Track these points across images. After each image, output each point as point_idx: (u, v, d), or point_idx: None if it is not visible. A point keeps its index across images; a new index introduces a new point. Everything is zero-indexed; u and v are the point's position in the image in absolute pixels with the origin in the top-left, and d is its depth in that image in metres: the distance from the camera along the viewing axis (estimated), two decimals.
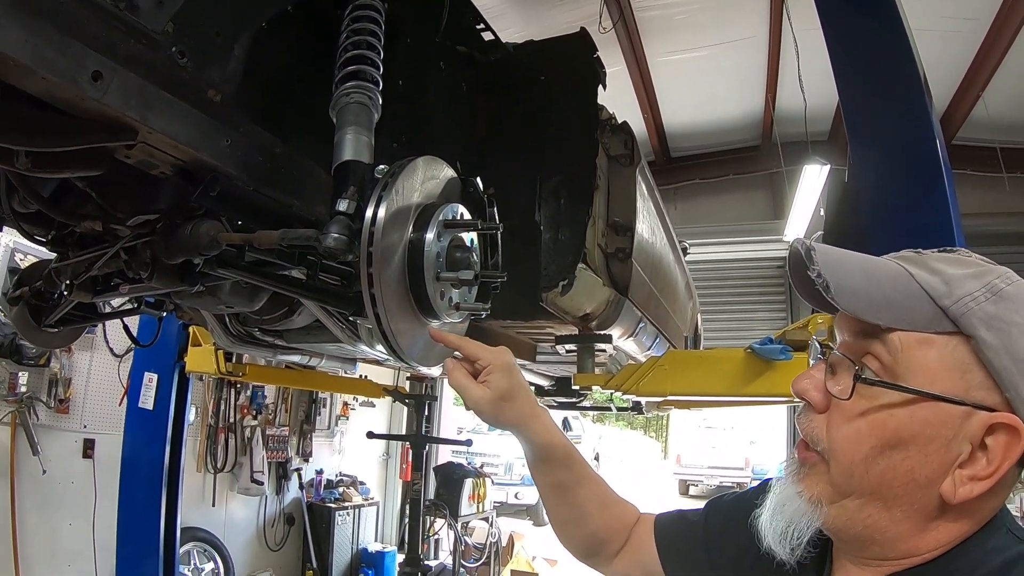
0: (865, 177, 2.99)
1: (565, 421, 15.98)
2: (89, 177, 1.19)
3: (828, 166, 6.36)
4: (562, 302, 2.00)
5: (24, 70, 0.88)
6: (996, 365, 0.79)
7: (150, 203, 1.31)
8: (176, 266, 1.40)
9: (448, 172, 1.34)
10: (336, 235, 1.12)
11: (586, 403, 4.72)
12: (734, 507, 1.24)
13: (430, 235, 1.20)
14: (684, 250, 4.81)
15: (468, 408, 1.24)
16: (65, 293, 1.79)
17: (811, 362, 0.99)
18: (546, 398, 4.06)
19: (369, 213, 1.10)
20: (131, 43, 1.01)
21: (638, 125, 8.36)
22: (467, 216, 1.32)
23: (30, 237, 1.57)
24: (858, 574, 0.92)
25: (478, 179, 1.36)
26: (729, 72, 7.61)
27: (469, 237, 1.32)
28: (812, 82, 6.41)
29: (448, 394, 10.80)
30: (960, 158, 7.94)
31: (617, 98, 7.35)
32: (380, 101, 1.35)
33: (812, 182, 6.63)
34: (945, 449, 0.81)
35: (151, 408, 4.34)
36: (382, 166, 1.21)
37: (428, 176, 1.27)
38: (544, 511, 1.47)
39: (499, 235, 1.36)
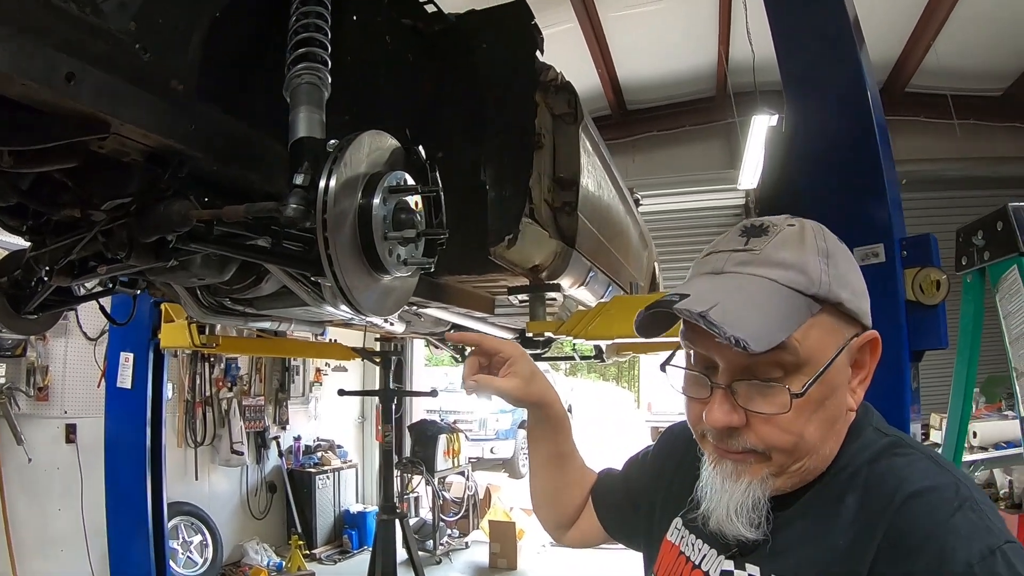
0: (796, 124, 3.09)
1: None
2: (66, 168, 1.29)
3: (778, 116, 6.49)
4: (510, 255, 2.13)
5: (3, 77, 0.97)
6: (855, 309, 0.97)
7: (123, 187, 1.42)
8: (151, 244, 1.51)
9: (392, 143, 1.48)
10: (295, 205, 1.26)
11: (551, 353, 4.88)
12: (644, 455, 1.44)
13: (376, 200, 1.34)
14: (636, 202, 4.93)
15: (504, 396, 1.36)
16: (45, 279, 1.88)
17: (688, 389, 1.05)
18: None
19: (322, 184, 1.24)
20: (99, 44, 1.12)
21: (593, 81, 8.42)
22: (411, 182, 1.46)
23: (6, 227, 1.65)
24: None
25: (420, 147, 1.50)
26: (682, 25, 7.68)
27: (413, 199, 1.46)
28: (763, 33, 6.46)
29: (419, 355, 10.95)
30: (913, 105, 8.20)
31: (571, 55, 7.48)
32: (329, 80, 1.47)
33: (761, 132, 6.80)
34: (846, 383, 0.99)
35: (129, 387, 4.38)
36: (333, 141, 1.35)
37: (374, 148, 1.41)
38: (528, 477, 1.61)
39: (441, 196, 1.51)
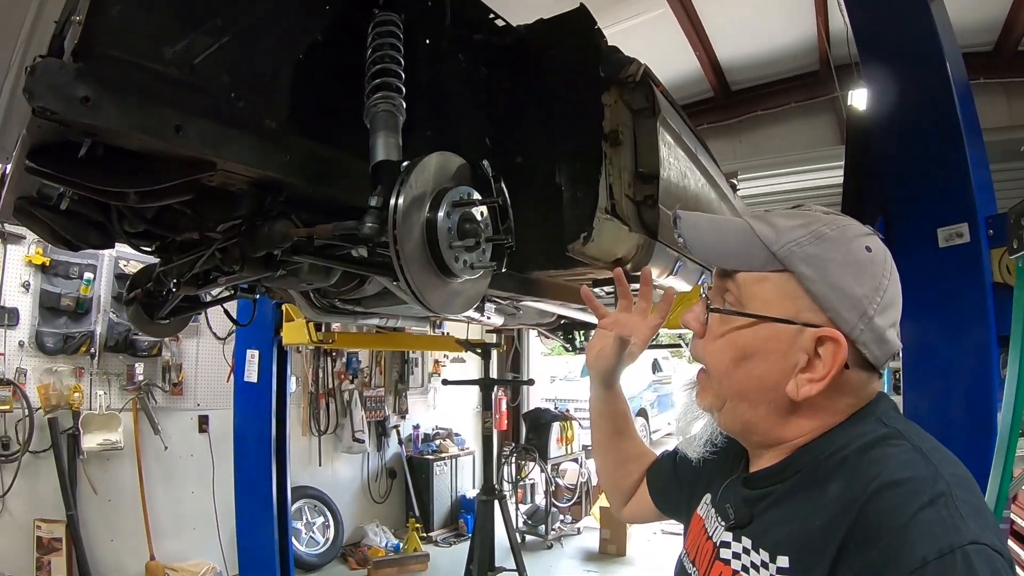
0: (874, 97, 3.00)
1: (655, 363, 16.11)
2: (183, 199, 1.52)
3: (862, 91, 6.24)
4: (589, 250, 2.21)
5: (124, 134, 1.21)
6: (816, 292, 1.02)
7: (232, 212, 1.65)
8: (260, 257, 1.76)
9: (458, 161, 1.64)
10: (370, 224, 1.46)
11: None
12: None
13: (441, 213, 1.52)
14: (732, 187, 4.89)
15: (625, 350, 1.57)
16: (173, 290, 2.16)
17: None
18: None
19: (392, 203, 1.43)
20: (199, 98, 1.33)
21: (692, 64, 8.25)
22: (476, 195, 1.62)
23: (138, 249, 1.92)
24: (767, 458, 1.13)
25: (485, 162, 1.65)
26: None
27: (479, 210, 1.63)
28: None
29: (535, 345, 11.13)
30: None
31: (665, 40, 7.43)
32: (404, 105, 1.64)
33: (862, 106, 6.57)
34: (783, 359, 1.04)
35: (255, 381, 4.77)
36: (406, 162, 1.53)
37: (439, 167, 1.57)
38: (592, 452, 1.82)
39: (508, 205, 1.66)
